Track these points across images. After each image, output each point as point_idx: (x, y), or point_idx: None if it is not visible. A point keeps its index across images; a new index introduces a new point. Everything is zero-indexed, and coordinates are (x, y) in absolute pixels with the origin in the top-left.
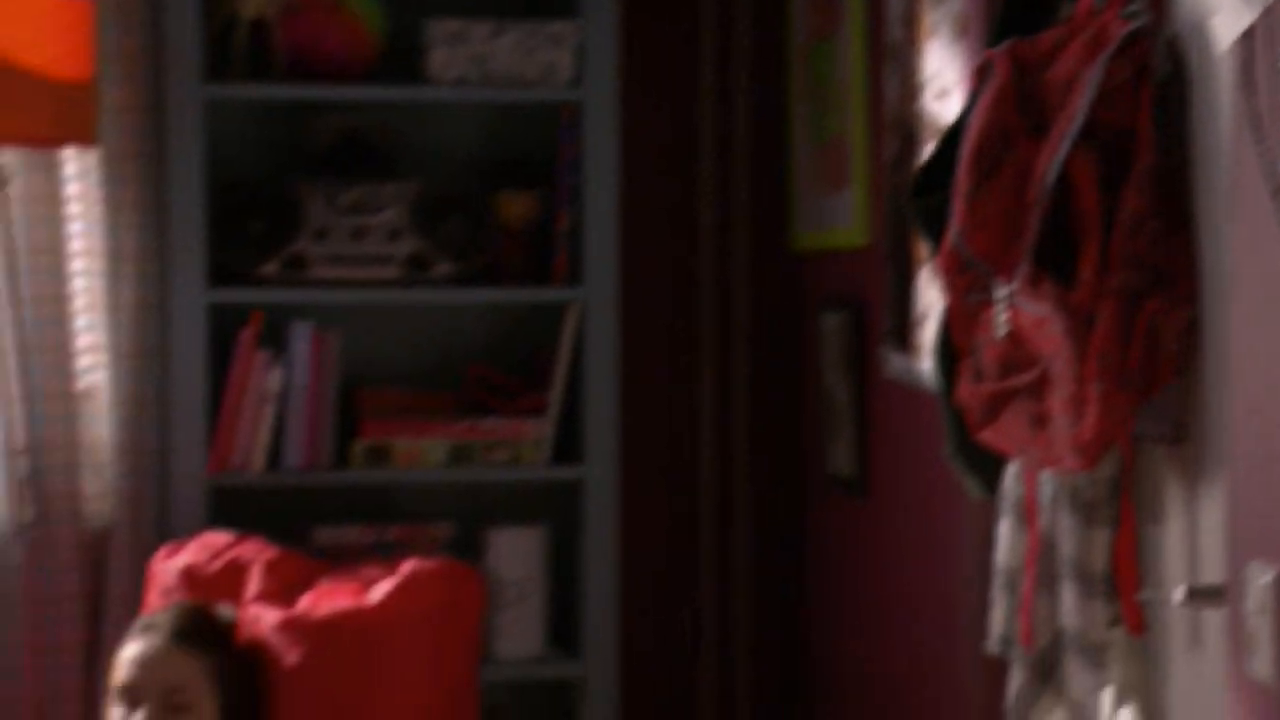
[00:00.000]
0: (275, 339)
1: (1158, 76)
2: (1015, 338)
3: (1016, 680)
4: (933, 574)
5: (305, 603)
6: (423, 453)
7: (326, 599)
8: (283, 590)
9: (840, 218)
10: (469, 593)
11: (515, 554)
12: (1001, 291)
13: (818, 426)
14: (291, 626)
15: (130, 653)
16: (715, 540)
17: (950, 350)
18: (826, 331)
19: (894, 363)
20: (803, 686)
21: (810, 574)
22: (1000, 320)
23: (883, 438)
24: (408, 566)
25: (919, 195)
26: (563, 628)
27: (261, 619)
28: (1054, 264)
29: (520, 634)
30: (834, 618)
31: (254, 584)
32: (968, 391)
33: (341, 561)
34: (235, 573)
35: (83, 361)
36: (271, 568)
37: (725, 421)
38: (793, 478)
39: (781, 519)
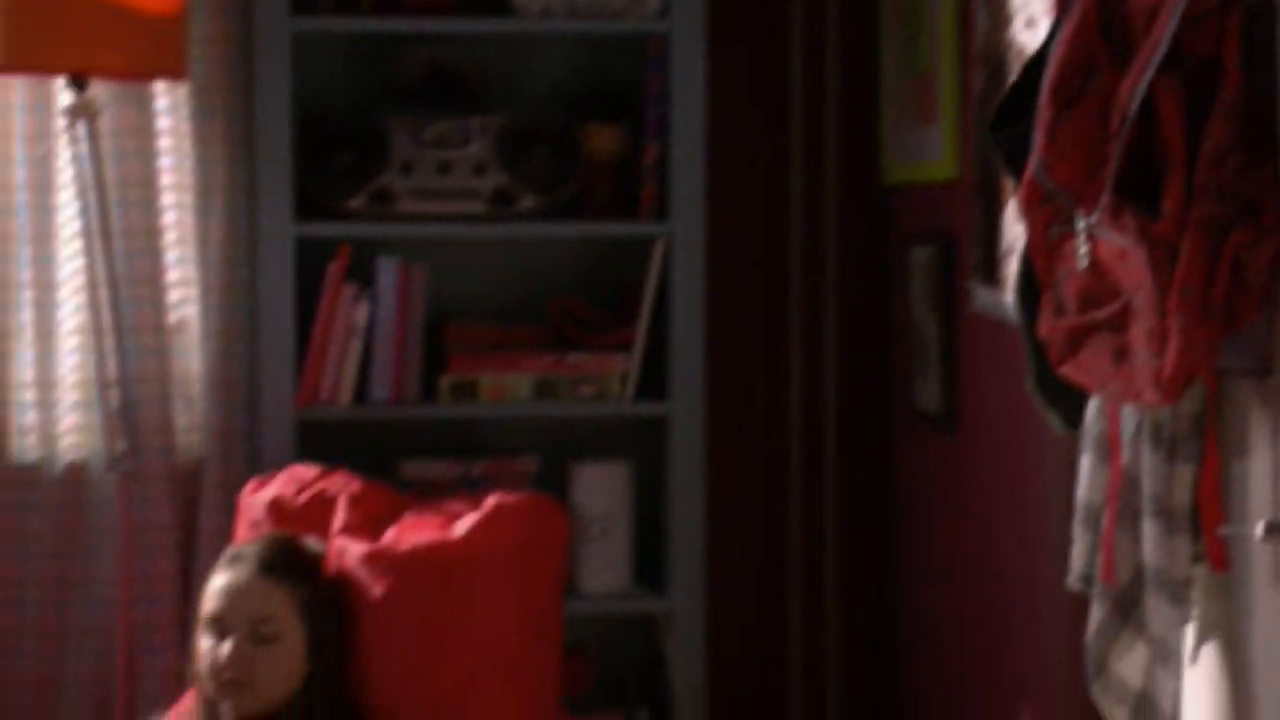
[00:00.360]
0: (362, 273)
1: (1245, 3)
2: (1097, 270)
3: (1096, 617)
4: (1020, 510)
5: (390, 536)
6: (508, 387)
7: (411, 532)
8: (368, 523)
9: (929, 151)
10: (553, 527)
11: (600, 489)
12: (1083, 223)
13: (906, 362)
14: (377, 559)
15: (218, 583)
16: (803, 477)
17: (1032, 284)
18: (915, 266)
19: (981, 297)
20: (890, 620)
21: (898, 510)
22: (1082, 252)
23: (970, 373)
24: (492, 500)
25: (1001, 126)
26: (648, 563)
27: (348, 551)
28: (1137, 195)
29: (605, 569)
30: (921, 554)
31: (340, 517)
32: (1049, 325)
33: (427, 495)
34: (322, 505)
35: (173, 295)
36: (358, 501)
37: (813, 357)
38: (881, 414)
39: (869, 455)
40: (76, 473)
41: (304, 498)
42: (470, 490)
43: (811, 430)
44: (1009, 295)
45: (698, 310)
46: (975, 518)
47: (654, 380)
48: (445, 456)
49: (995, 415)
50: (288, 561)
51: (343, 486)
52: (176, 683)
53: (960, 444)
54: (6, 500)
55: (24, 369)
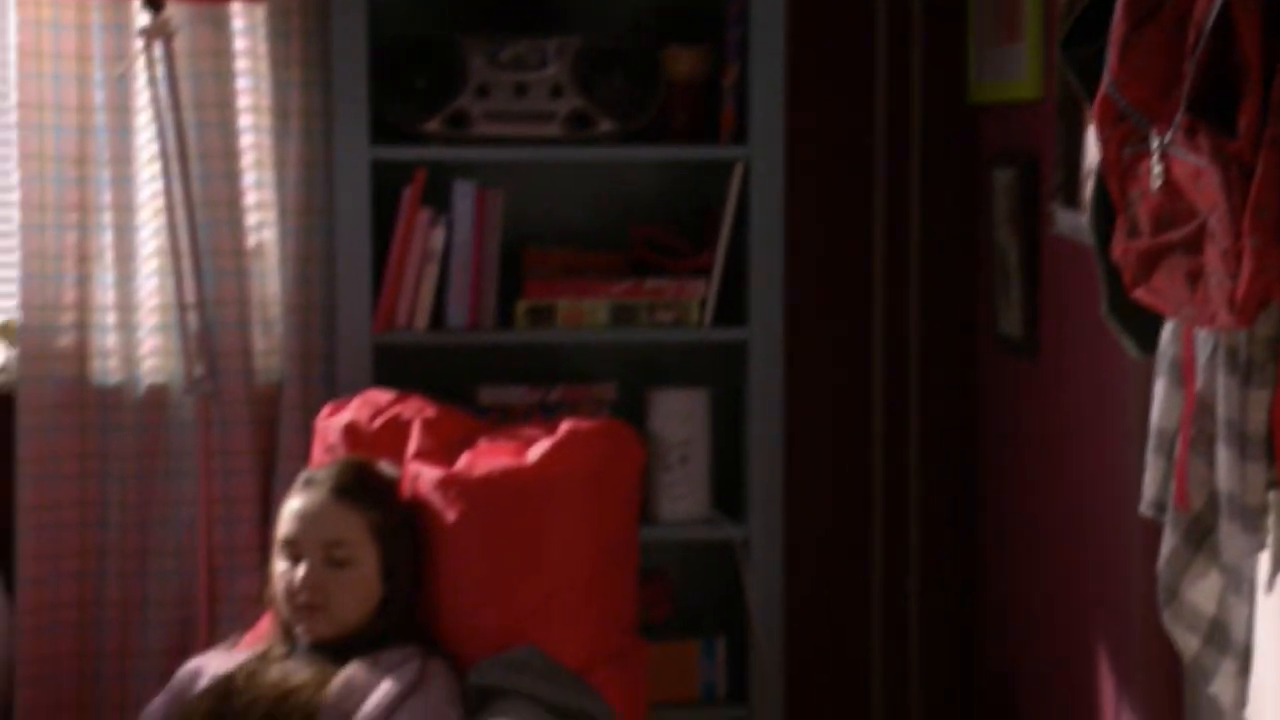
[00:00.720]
0: (438, 197)
1: None
2: (1171, 191)
3: (1169, 544)
4: (1101, 436)
5: (464, 461)
6: (586, 313)
7: (485, 458)
8: (443, 448)
9: (1014, 70)
10: (627, 453)
11: (678, 415)
12: (1157, 142)
13: (989, 287)
14: (450, 484)
15: (292, 507)
16: (884, 403)
17: (1106, 206)
18: (998, 188)
19: (1063, 220)
20: (972, 544)
21: (980, 436)
22: (1156, 172)
23: (1052, 298)
24: (566, 426)
25: (1074, 44)
26: (727, 490)
27: (422, 476)
28: (1212, 113)
29: (684, 496)
30: (1004, 479)
31: (415, 441)
32: (1122, 248)
33: (503, 421)
34: (397, 430)
35: (252, 219)
36: (432, 426)
37: (896, 282)
38: (964, 339)
39: (952, 381)
40: (157, 395)
41: (379, 422)
42: (547, 416)
43: (894, 356)
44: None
45: (777, 234)
46: (1057, 443)
47: (733, 305)
48: (522, 382)
49: (1077, 340)
50: (361, 486)
51: (417, 411)
52: (257, 605)
53: (1041, 369)
54: (90, 422)
55: (105, 292)
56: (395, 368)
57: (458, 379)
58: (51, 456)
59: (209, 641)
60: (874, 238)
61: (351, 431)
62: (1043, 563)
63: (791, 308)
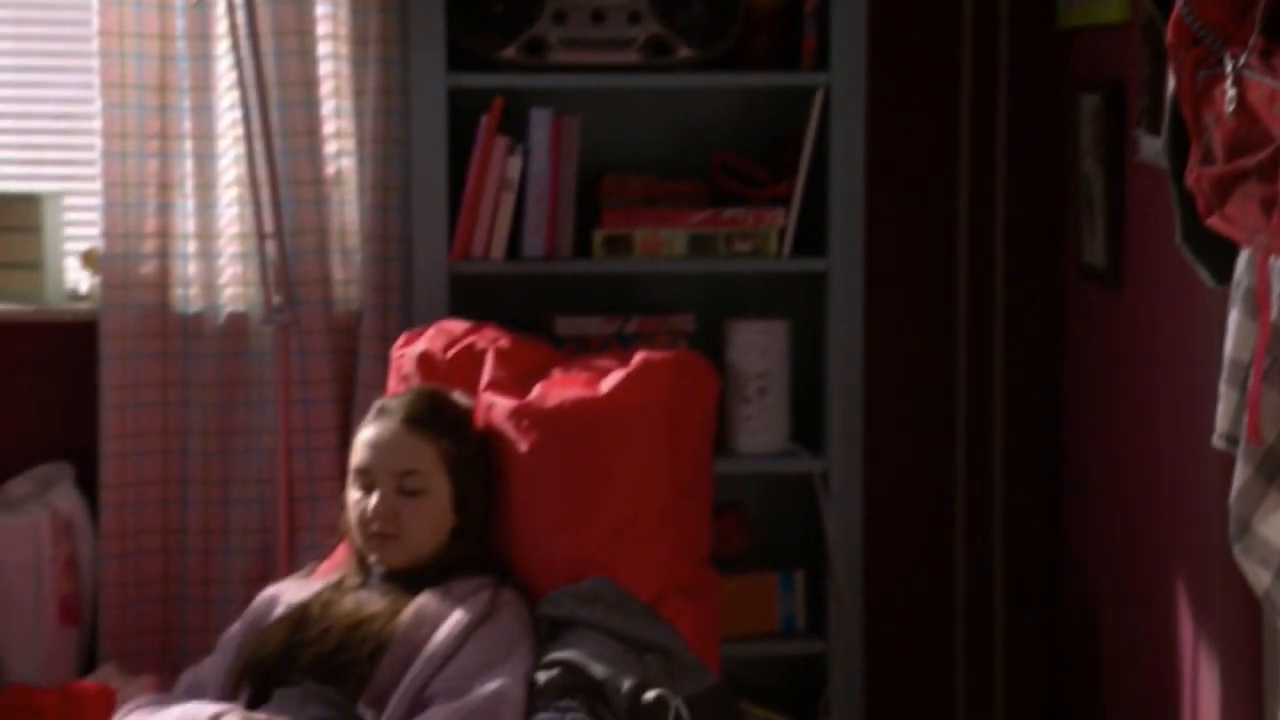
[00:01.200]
0: (516, 126)
1: None
2: (1246, 115)
3: (1240, 477)
4: (1182, 366)
5: (537, 391)
6: (663, 243)
7: (558, 388)
8: (516, 378)
9: None
10: (700, 384)
11: (757, 347)
12: (1232, 65)
13: (1074, 215)
14: (523, 414)
15: (365, 436)
16: (968, 333)
17: (1180, 131)
18: (1084, 114)
19: (1147, 146)
20: (1055, 473)
21: (1065, 367)
22: (1230, 95)
23: (1137, 226)
24: (640, 357)
25: None
26: (806, 422)
27: (495, 406)
28: None
29: (762, 428)
30: (1088, 410)
31: (488, 372)
32: (1196, 174)
33: (580, 352)
34: (471, 360)
35: (330, 147)
36: (506, 356)
37: (981, 210)
38: (1049, 267)
39: (1037, 309)
40: (238, 324)
41: (453, 352)
42: (623, 347)
43: (978, 285)
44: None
45: (858, 163)
46: (1139, 373)
47: (812, 235)
48: (598, 313)
49: (1161, 269)
50: (434, 415)
51: (491, 341)
52: (333, 534)
53: (1125, 299)
54: (172, 350)
55: (185, 220)
56: (471, 298)
57: (534, 309)
58: (134, 384)
59: (289, 570)
60: (959, 166)
61: (426, 361)
62: (1124, 491)
63: (872, 238)
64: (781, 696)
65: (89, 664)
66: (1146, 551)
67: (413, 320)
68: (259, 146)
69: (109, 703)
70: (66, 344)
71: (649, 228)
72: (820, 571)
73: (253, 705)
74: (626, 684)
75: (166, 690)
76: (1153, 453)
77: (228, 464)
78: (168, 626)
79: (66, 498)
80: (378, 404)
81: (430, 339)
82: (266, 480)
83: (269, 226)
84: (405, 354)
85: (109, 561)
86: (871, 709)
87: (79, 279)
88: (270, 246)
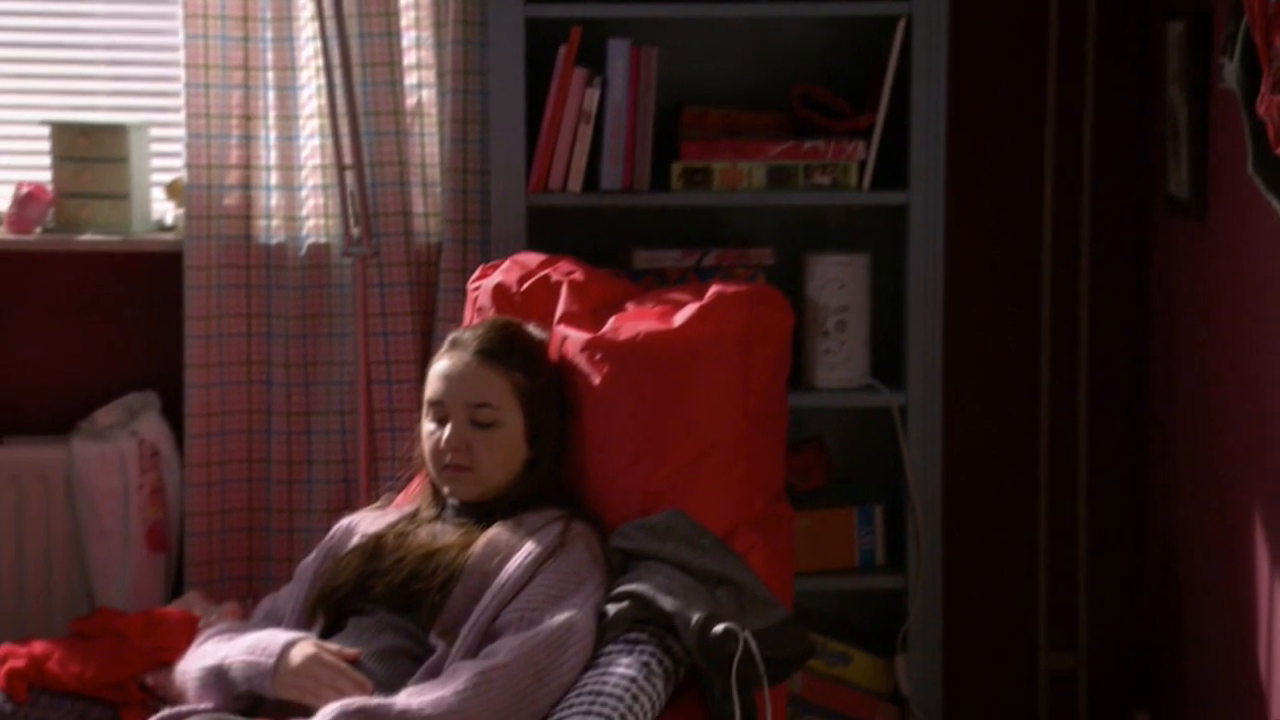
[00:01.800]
0: (594, 57)
1: None
2: None
3: None
4: (1266, 299)
5: (611, 324)
6: (742, 175)
7: (632, 321)
8: (590, 311)
9: None
10: (775, 317)
11: (836, 281)
12: None
13: (1160, 146)
14: (596, 347)
15: (439, 368)
16: (1052, 267)
17: (1252, 58)
18: (1169, 42)
19: (1231, 74)
20: (1141, 409)
21: (1151, 300)
22: None
23: (1221, 157)
24: (714, 290)
25: None
26: (886, 356)
27: (568, 339)
28: None
29: (842, 363)
30: (1174, 341)
31: (563, 304)
32: (1267, 103)
33: (659, 285)
34: (545, 292)
35: (410, 78)
36: (580, 289)
37: (1066, 140)
38: (1137, 200)
39: (1123, 242)
40: (319, 256)
41: (527, 285)
42: (702, 280)
43: (1063, 217)
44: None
45: (940, 94)
46: (1225, 307)
47: (893, 168)
48: (676, 246)
49: (1245, 201)
50: (507, 348)
51: (566, 274)
52: (410, 465)
53: (1210, 231)
54: (255, 281)
55: (268, 152)
56: (549, 230)
57: (612, 242)
58: (218, 315)
59: (369, 501)
60: (1046, 95)
61: (500, 294)
62: (1210, 429)
63: (953, 170)
64: (860, 632)
65: (175, 591)
66: (1231, 490)
67: (491, 253)
68: (339, 78)
69: (191, 628)
70: (153, 275)
71: (728, 160)
72: (900, 506)
73: (327, 634)
74: (695, 617)
75: (248, 618)
76: (1238, 387)
77: (310, 395)
78: (252, 555)
79: (153, 427)
80: (451, 336)
81: (505, 271)
82: (348, 412)
83: (349, 158)
84: (481, 286)
85: (194, 490)
86: (950, 645)
87: (165, 210)
88: (350, 178)
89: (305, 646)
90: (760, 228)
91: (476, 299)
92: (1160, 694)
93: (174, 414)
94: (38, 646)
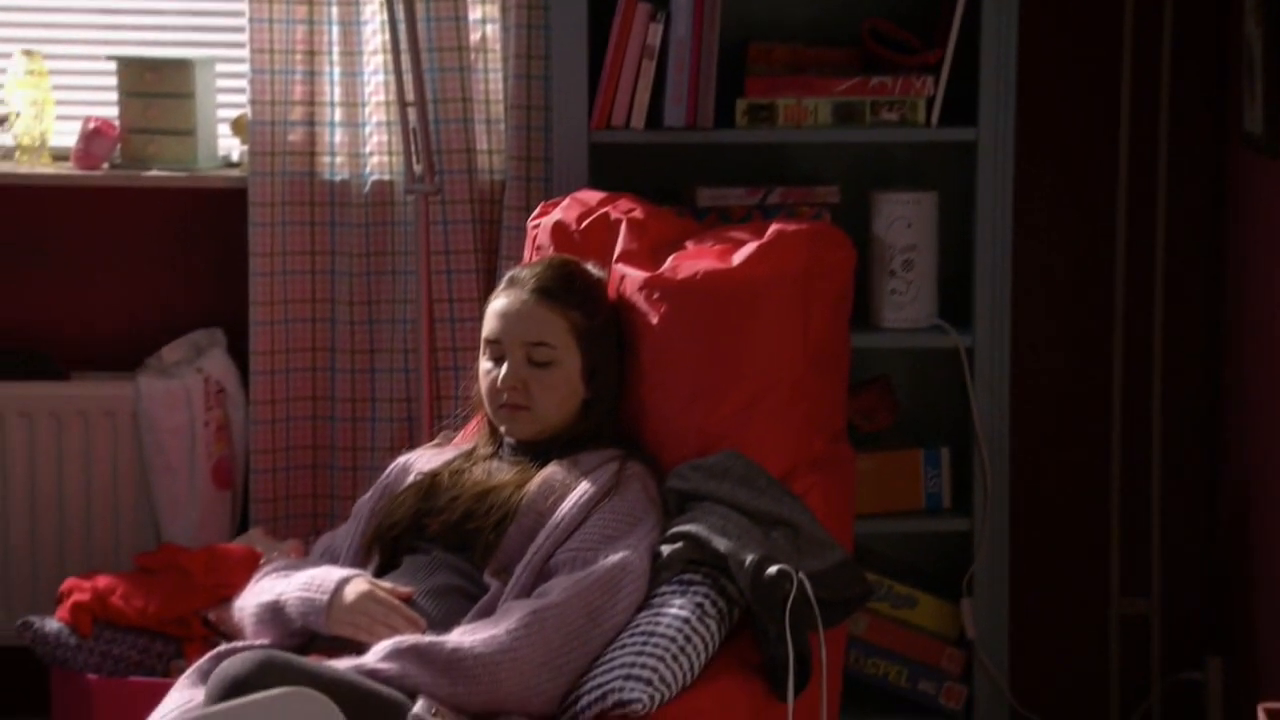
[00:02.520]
0: None
1: None
2: None
3: None
4: None
5: (669, 263)
6: (808, 111)
7: (690, 260)
8: (650, 250)
9: None
10: (836, 255)
11: (903, 219)
12: None
13: (1237, 81)
14: (654, 286)
15: (496, 306)
16: (1128, 203)
17: None
18: None
19: None
20: (1216, 348)
21: (1229, 238)
22: None
23: None
24: (773, 228)
25: None
26: (953, 296)
27: (626, 278)
28: None
29: (908, 302)
30: (1250, 278)
31: (621, 242)
32: None
33: (722, 223)
34: (604, 231)
35: (475, 13)
36: (639, 227)
37: (1143, 75)
38: (1214, 136)
39: (1200, 178)
40: (383, 192)
41: (586, 223)
42: (766, 218)
43: (1139, 153)
44: None
45: (1011, 27)
46: None
47: (962, 104)
48: (741, 184)
49: None
50: (565, 286)
51: (625, 212)
52: (470, 403)
53: None
54: (319, 218)
55: (332, 88)
56: (612, 168)
57: (675, 179)
58: (282, 252)
59: (432, 440)
60: (1122, 27)
61: (560, 232)
62: None
63: (1024, 106)
64: (926, 575)
65: (242, 528)
66: None
67: (553, 191)
68: (402, 13)
69: (253, 565)
70: (219, 211)
71: (793, 96)
72: (967, 448)
73: (382, 572)
74: (749, 558)
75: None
76: None
77: (375, 333)
78: (316, 493)
79: (219, 363)
80: (509, 274)
81: (565, 209)
82: (411, 350)
83: (411, 95)
84: (540, 224)
85: (259, 427)
86: (1017, 589)
87: (232, 146)
88: (412, 115)
89: (359, 583)
90: (826, 165)
91: (536, 237)
92: (1233, 640)
93: (240, 351)
94: (102, 581)
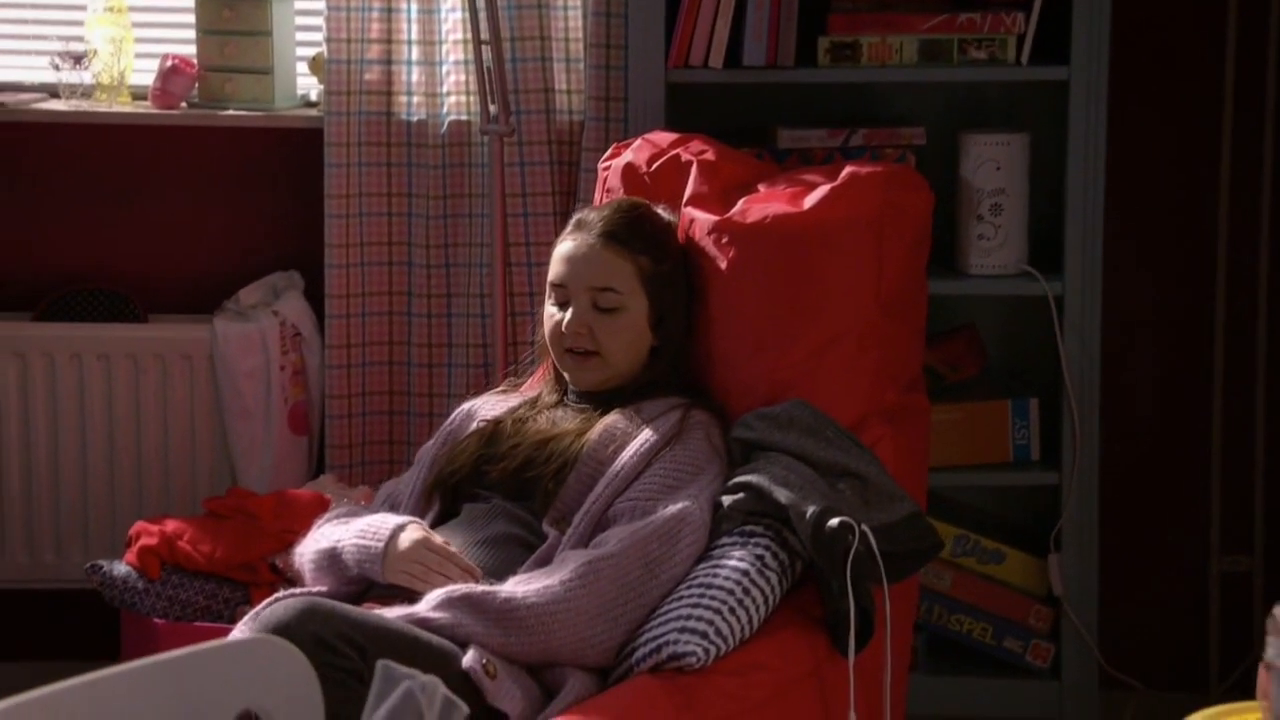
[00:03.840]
0: None
1: None
2: None
3: None
4: None
5: (740, 206)
6: (893, 49)
7: (761, 203)
8: (721, 192)
9: None
10: (912, 199)
11: (992, 161)
12: None
13: None
14: (723, 230)
15: (562, 249)
16: (1233, 143)
17: None
18: None
19: None
20: None
21: None
22: None
23: None
24: (847, 170)
25: None
26: (1043, 242)
27: (696, 221)
28: None
29: (996, 248)
30: None
31: (691, 185)
32: None
33: (803, 165)
34: (675, 172)
35: None
36: (712, 168)
37: (1250, 3)
38: None
39: None
40: (461, 133)
41: (657, 165)
42: (849, 160)
43: (1245, 91)
44: None
45: None
46: None
47: (1055, 41)
48: (823, 124)
49: None
50: (633, 231)
51: (697, 154)
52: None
53: None
54: (396, 158)
55: (409, 25)
56: (690, 108)
57: (755, 120)
58: (358, 194)
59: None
60: None
61: (630, 174)
62: None
63: (1119, 42)
64: (1016, 529)
65: (318, 474)
66: None
67: (631, 132)
68: None
69: (322, 511)
70: (296, 151)
71: (877, 33)
72: (1056, 399)
73: (442, 520)
74: (810, 509)
75: None
76: None
77: (451, 277)
78: (392, 439)
79: (295, 307)
80: (576, 216)
81: (635, 151)
82: (488, 295)
83: (486, 32)
84: (611, 166)
85: (334, 372)
86: (1107, 545)
87: (310, 85)
88: (487, 54)
89: (413, 531)
90: (912, 105)
91: (606, 179)
92: None
93: (317, 295)
94: (170, 525)
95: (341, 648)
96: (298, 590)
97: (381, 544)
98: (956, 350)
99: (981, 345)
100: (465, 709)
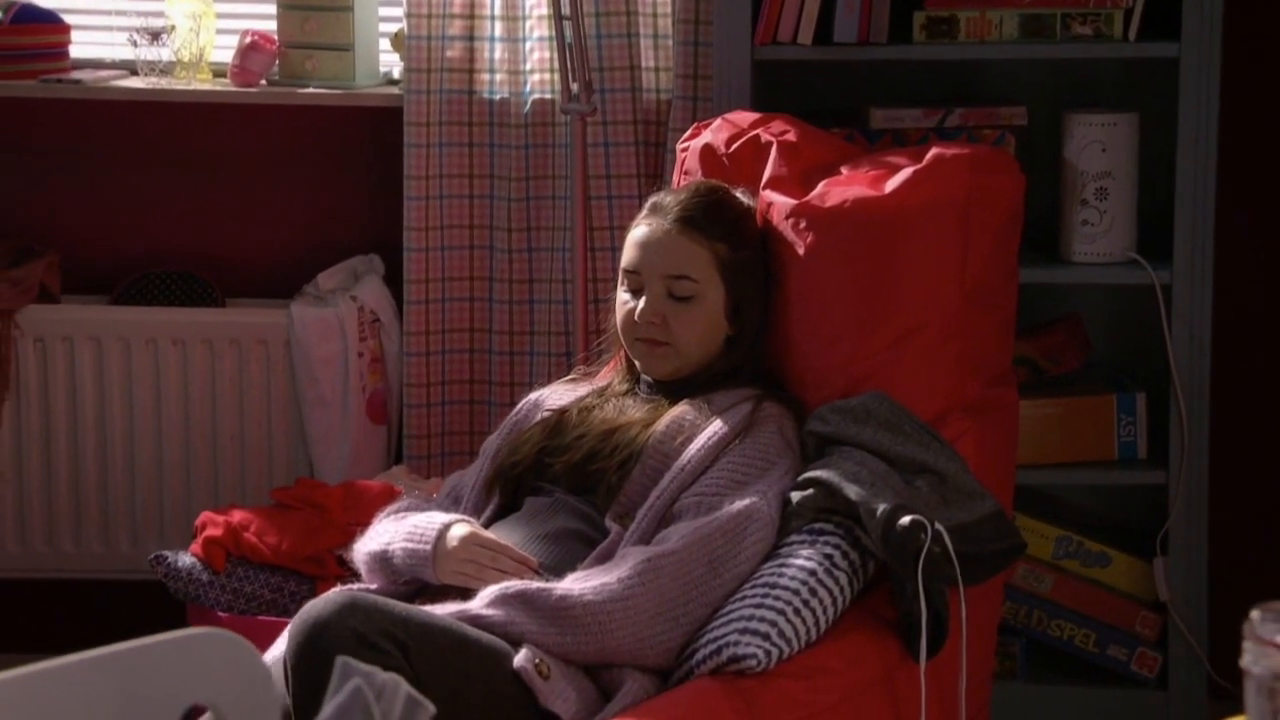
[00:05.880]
0: None
1: None
2: None
3: None
4: None
5: (819, 190)
6: (992, 24)
7: (842, 186)
8: (801, 175)
9: None
10: (1001, 182)
11: (1098, 143)
12: None
13: None
14: (801, 214)
15: (636, 234)
16: None
17: None
18: None
19: None
20: None
21: None
22: None
23: None
24: (932, 152)
25: None
26: (1151, 228)
27: (774, 205)
28: None
29: (1101, 234)
30: None
31: (771, 167)
32: None
33: (897, 146)
34: (755, 154)
35: None
36: (793, 150)
37: None
38: None
39: None
40: (544, 112)
41: (736, 146)
42: (946, 140)
43: None
44: None
45: None
46: None
47: (1165, 15)
48: (918, 104)
49: None
50: (710, 216)
51: (778, 134)
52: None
53: None
54: (477, 139)
55: (493, 0)
56: (780, 87)
57: (847, 99)
58: (439, 175)
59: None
60: None
61: (708, 155)
62: None
63: (1232, 16)
64: (1123, 531)
65: (397, 464)
66: None
67: (718, 112)
68: None
69: (390, 503)
70: (377, 131)
71: (976, 8)
72: (1164, 394)
73: (503, 514)
74: (881, 507)
75: None
76: None
77: (534, 262)
78: (473, 430)
79: (374, 292)
80: (652, 199)
81: (714, 131)
82: (571, 280)
83: (567, 8)
84: (689, 147)
85: (413, 360)
86: (1216, 547)
87: (393, 63)
88: (568, 29)
89: (461, 528)
90: (1012, 84)
91: (684, 161)
92: None
93: (397, 279)
94: (236, 515)
95: (384, 645)
96: (354, 586)
97: (429, 546)
98: (1057, 342)
99: (1084, 337)
100: (431, 708)
